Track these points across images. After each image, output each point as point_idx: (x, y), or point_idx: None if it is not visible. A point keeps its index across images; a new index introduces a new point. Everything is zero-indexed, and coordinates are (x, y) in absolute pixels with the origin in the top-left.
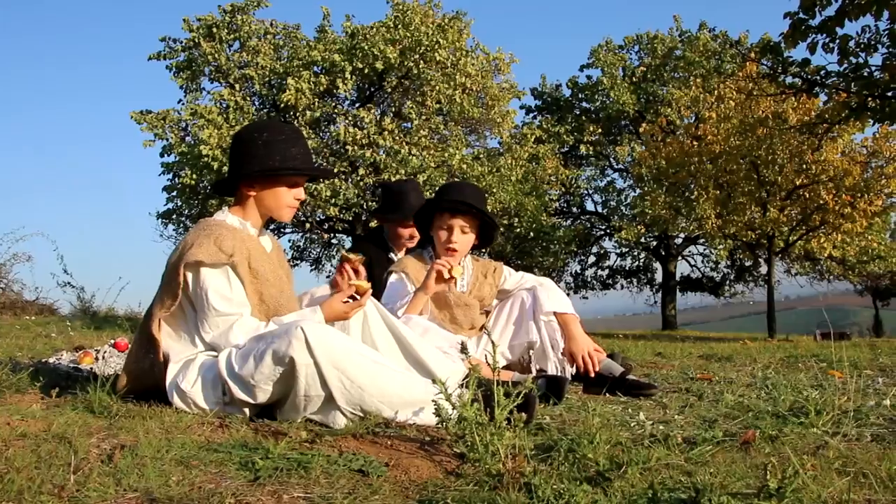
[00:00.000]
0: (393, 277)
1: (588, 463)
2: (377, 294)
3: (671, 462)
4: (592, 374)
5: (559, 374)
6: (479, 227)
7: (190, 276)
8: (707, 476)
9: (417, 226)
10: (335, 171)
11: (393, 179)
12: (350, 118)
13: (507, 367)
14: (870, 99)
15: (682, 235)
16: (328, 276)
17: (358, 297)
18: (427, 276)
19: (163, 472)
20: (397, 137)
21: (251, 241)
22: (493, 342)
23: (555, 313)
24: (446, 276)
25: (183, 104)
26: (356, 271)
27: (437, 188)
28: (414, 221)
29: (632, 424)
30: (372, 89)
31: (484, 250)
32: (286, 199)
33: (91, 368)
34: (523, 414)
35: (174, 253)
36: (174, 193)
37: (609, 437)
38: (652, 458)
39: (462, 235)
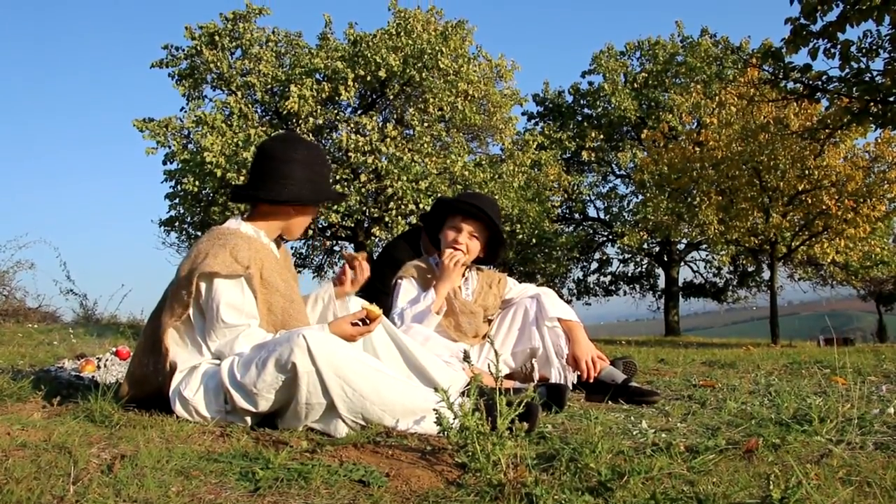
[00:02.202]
0: (404, 283)
1: (590, 472)
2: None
3: (673, 471)
4: (592, 380)
5: (561, 381)
6: (487, 240)
7: (203, 286)
8: (709, 485)
9: (428, 229)
10: (337, 177)
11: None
12: (352, 125)
13: (509, 376)
14: (872, 104)
15: (684, 241)
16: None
17: (368, 321)
18: (444, 268)
19: (162, 482)
20: (399, 144)
21: (265, 250)
22: (495, 351)
23: (559, 319)
24: (462, 259)
25: (185, 112)
26: (353, 267)
27: (440, 195)
28: (425, 224)
29: (634, 433)
30: (374, 96)
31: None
32: (310, 219)
33: (93, 377)
34: (525, 423)
35: (185, 261)
36: (176, 201)
37: (611, 446)
38: (654, 468)
39: (469, 240)
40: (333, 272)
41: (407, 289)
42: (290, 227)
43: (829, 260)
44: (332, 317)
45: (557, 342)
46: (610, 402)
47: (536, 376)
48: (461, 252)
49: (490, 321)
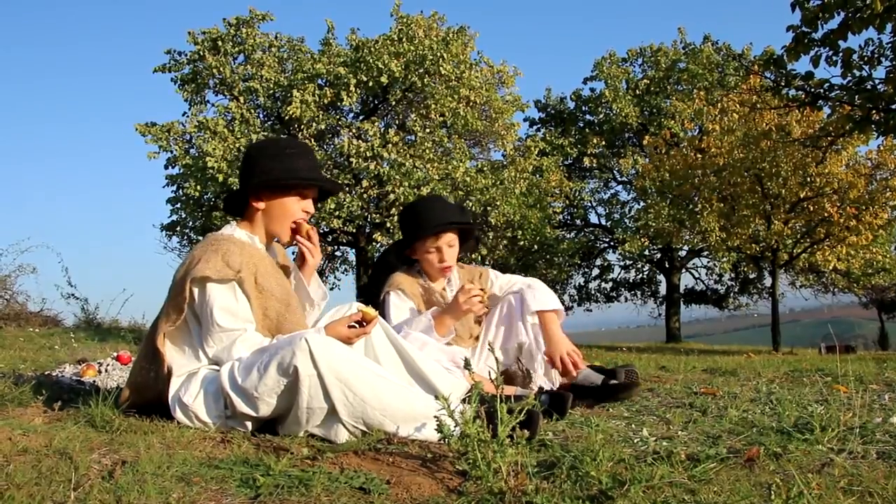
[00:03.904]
0: (393, 297)
1: (591, 480)
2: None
3: (674, 480)
4: (568, 378)
5: (543, 375)
6: (458, 234)
7: (196, 291)
8: (711, 494)
9: (398, 252)
10: (338, 182)
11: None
12: (354, 130)
13: (507, 376)
14: (874, 111)
15: (685, 248)
16: (331, 289)
17: (365, 323)
18: (455, 302)
19: (163, 488)
20: (401, 150)
21: (259, 255)
22: (496, 358)
23: (538, 313)
24: (481, 303)
25: (187, 116)
26: (309, 237)
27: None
28: (399, 249)
29: (635, 441)
30: (376, 102)
31: (469, 254)
32: (294, 211)
33: (94, 381)
34: (526, 431)
35: (181, 267)
36: (178, 205)
37: (612, 454)
38: (655, 476)
39: (450, 250)
40: (335, 277)
41: (396, 304)
42: (272, 220)
43: (830, 267)
44: (305, 299)
45: (538, 338)
46: (608, 409)
47: (534, 376)
48: (479, 294)
49: (480, 321)
